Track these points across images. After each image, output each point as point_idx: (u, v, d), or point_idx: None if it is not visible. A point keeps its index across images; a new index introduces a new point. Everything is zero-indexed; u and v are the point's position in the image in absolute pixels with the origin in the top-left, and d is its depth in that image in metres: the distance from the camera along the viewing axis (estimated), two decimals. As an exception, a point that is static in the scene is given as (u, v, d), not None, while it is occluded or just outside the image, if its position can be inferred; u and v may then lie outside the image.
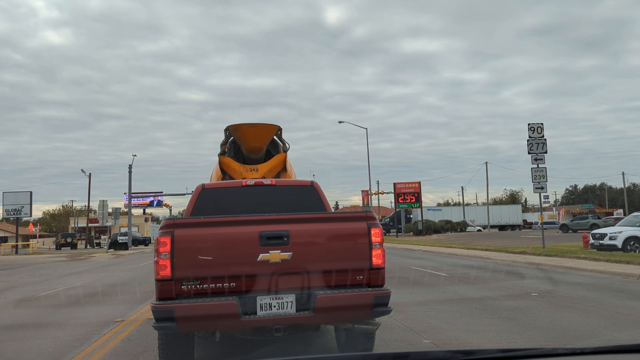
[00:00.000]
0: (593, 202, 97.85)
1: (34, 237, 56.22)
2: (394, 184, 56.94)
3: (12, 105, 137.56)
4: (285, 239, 4.70)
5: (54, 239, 67.56)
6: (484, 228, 64.96)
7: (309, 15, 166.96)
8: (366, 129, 50.55)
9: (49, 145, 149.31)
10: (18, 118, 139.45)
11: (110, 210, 47.98)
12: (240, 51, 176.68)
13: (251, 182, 6.12)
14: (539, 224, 49.45)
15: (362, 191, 73.61)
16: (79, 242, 61.36)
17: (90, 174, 57.16)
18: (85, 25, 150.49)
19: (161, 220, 66.95)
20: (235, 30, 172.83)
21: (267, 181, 6.15)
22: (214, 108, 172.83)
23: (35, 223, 67.73)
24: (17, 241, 47.45)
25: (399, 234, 55.84)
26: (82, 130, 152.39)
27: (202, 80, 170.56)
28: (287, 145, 9.83)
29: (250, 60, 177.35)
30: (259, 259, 4.64)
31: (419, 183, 56.93)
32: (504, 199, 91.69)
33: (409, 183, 56.77)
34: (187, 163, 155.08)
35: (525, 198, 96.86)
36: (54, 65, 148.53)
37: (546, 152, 21.72)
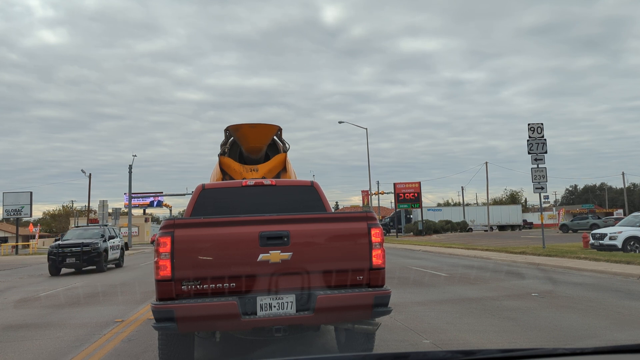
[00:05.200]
0: (593, 202, 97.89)
1: (33, 237, 56.19)
2: (394, 184, 56.99)
3: (10, 105, 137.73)
4: (286, 239, 4.70)
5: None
6: (484, 228, 64.97)
7: (306, 14, 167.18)
8: (366, 129, 50.58)
9: (48, 145, 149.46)
10: (16, 118, 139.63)
11: (110, 210, 47.97)
12: (237, 50, 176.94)
13: (251, 182, 6.12)
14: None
15: (362, 191, 73.70)
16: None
17: (90, 174, 57.13)
18: (81, 24, 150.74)
19: (161, 220, 67.00)
20: (232, 30, 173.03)
21: (267, 181, 6.15)
22: (212, 108, 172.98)
23: (35, 223, 67.71)
24: (17, 241, 47.45)
25: (399, 234, 55.83)
26: (81, 131, 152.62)
27: (199, 80, 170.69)
28: (287, 145, 9.83)
29: (248, 60, 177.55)
30: (259, 259, 4.64)
31: (419, 183, 56.95)
32: (504, 199, 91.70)
33: (409, 183, 56.78)
34: (186, 163, 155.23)
35: (525, 198, 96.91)
36: (50, 64, 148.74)
37: (546, 152, 21.73)
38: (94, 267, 20.55)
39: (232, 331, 5.06)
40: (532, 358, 1.91)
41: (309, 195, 6.18)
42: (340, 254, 4.87)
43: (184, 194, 72.91)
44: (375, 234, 4.90)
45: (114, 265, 23.05)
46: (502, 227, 65.09)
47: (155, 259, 4.60)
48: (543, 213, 24.17)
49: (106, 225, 24.83)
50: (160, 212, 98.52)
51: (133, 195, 58.47)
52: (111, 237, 22.61)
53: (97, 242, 20.68)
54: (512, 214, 67.11)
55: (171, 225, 4.67)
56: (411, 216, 61.32)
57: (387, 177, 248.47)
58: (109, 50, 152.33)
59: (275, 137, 9.72)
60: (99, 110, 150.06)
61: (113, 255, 22.39)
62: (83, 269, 20.65)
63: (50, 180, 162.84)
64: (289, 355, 6.01)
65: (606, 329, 7.08)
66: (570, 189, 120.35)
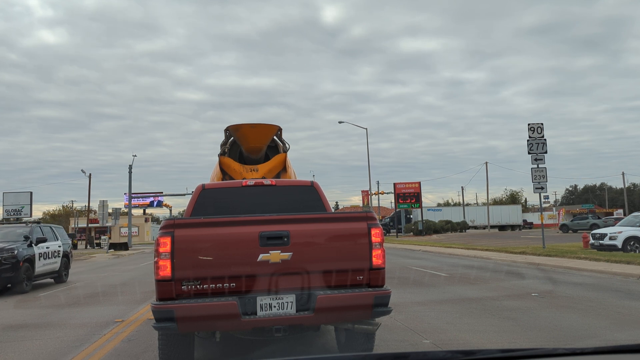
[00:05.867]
0: (593, 202, 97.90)
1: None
2: (394, 184, 56.98)
3: (9, 105, 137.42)
4: (285, 239, 4.70)
5: None
6: (484, 228, 64.97)
7: (306, 14, 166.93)
8: (366, 129, 50.59)
9: (47, 145, 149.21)
10: (15, 118, 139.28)
11: (110, 210, 47.97)
12: (237, 50, 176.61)
13: (251, 182, 6.13)
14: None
15: (362, 191, 73.70)
16: (79, 242, 61.41)
17: (90, 174, 57.18)
18: (81, 24, 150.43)
19: (161, 220, 67.01)
20: (232, 29, 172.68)
21: (267, 181, 6.16)
22: (212, 108, 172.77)
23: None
24: (17, 241, 47.37)
25: (399, 234, 55.83)
26: (80, 131, 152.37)
27: (199, 80, 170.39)
28: (287, 145, 9.83)
29: (248, 60, 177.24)
30: (259, 259, 4.65)
31: (419, 183, 56.93)
32: (504, 199, 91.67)
33: (409, 183, 56.77)
34: (186, 163, 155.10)
35: (525, 198, 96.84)
36: (49, 64, 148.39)
37: (546, 152, 21.73)
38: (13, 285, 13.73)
39: (232, 331, 5.06)
40: (532, 358, 1.91)
41: (309, 195, 6.18)
42: (340, 254, 4.87)
43: (184, 194, 72.95)
44: (375, 234, 4.91)
45: (52, 280, 16.42)
46: (502, 227, 65.08)
47: (155, 259, 4.60)
48: (543, 213, 24.17)
49: (38, 224, 17.09)
50: (160, 212, 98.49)
51: (133, 195, 58.51)
52: (41, 240, 15.20)
53: (14, 247, 13.90)
54: (512, 214, 67.10)
55: (171, 225, 4.68)
56: (411, 216, 61.32)
57: (387, 177, 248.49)
58: (109, 50, 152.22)
59: (275, 137, 9.73)
60: (99, 110, 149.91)
61: (48, 266, 15.55)
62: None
63: (50, 180, 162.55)
64: (289, 355, 6.01)
65: (606, 329, 7.08)
66: (570, 189, 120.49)
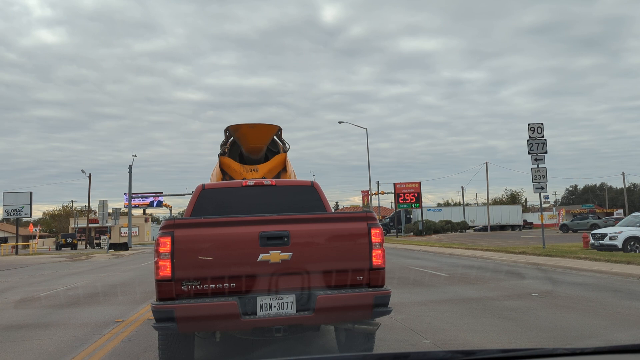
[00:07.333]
0: (593, 202, 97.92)
1: (34, 237, 56.17)
2: (394, 184, 56.95)
3: (8, 105, 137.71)
4: (286, 239, 4.70)
5: (54, 239, 67.60)
6: (484, 228, 64.95)
7: (305, 13, 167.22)
8: (366, 129, 50.57)
9: (46, 145, 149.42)
10: (14, 118, 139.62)
11: (110, 210, 47.96)
12: (236, 50, 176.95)
13: (251, 182, 6.13)
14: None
15: (362, 191, 73.79)
16: (79, 242, 61.41)
17: (90, 174, 57.20)
18: (79, 23, 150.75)
19: (161, 220, 67.05)
20: (231, 29, 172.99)
21: (267, 181, 6.16)
22: (211, 108, 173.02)
23: (35, 223, 67.72)
24: (17, 241, 47.46)
25: (399, 234, 55.82)
26: (79, 130, 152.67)
27: (198, 80, 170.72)
28: (287, 145, 9.83)
29: (247, 59, 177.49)
30: (259, 259, 4.64)
31: (419, 183, 56.91)
32: (504, 199, 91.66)
33: (409, 183, 56.76)
34: (185, 163, 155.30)
35: (526, 198, 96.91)
36: (48, 64, 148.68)
37: (546, 152, 21.74)
38: None
39: (232, 331, 5.06)
40: (532, 358, 1.91)
41: (309, 196, 6.18)
42: (340, 254, 4.87)
43: (184, 194, 73.08)
44: (376, 234, 4.90)
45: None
46: (502, 227, 65.07)
47: (155, 259, 4.59)
48: (543, 213, 24.17)
49: None
50: (160, 212, 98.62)
51: (133, 195, 58.53)
52: None
53: None
54: (512, 214, 67.08)
55: (171, 225, 4.67)
56: (411, 216, 61.31)
57: (386, 177, 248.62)
58: (108, 49, 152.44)
59: (275, 137, 9.73)
60: (98, 110, 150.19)
61: None
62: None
63: (48, 180, 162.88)
64: (289, 355, 6.01)
65: (606, 329, 7.08)
66: (570, 189, 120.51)
